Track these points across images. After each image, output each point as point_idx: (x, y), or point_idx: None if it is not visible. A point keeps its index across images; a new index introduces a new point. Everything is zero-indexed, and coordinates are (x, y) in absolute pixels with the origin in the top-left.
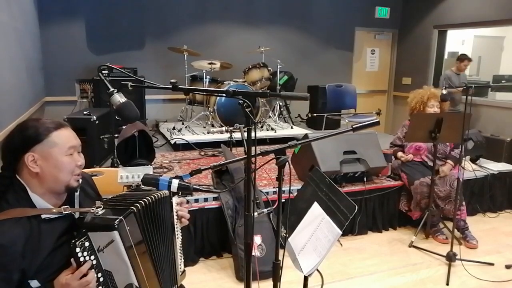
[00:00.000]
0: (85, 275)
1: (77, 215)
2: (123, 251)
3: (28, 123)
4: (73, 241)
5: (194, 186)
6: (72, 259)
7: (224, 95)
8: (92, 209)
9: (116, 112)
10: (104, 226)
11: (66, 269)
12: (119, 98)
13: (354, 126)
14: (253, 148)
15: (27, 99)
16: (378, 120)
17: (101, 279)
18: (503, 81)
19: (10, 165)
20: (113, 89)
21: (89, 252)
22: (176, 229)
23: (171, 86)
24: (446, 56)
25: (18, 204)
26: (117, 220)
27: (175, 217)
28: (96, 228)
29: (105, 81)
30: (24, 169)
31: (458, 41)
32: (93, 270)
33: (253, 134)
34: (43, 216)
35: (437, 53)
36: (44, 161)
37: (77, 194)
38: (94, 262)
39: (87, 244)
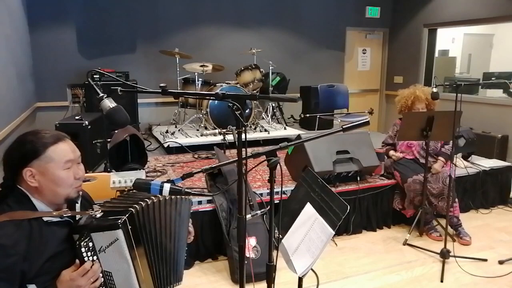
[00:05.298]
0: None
1: (77, 217)
2: (125, 249)
3: (27, 137)
4: (77, 241)
5: (186, 190)
6: (77, 260)
7: (213, 98)
8: (91, 212)
9: (106, 118)
10: (108, 226)
11: (69, 267)
12: (109, 103)
13: (344, 127)
14: (244, 150)
15: (18, 105)
16: (368, 120)
17: (101, 280)
18: (493, 78)
19: (10, 178)
20: (102, 94)
21: (92, 252)
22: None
23: (160, 91)
24: (436, 54)
25: (19, 207)
26: (121, 220)
27: (191, 226)
28: (99, 229)
29: (94, 86)
30: (23, 182)
31: (448, 39)
32: (97, 263)
33: (244, 136)
34: (45, 219)
35: (428, 52)
36: (42, 176)
37: (78, 205)
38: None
39: (90, 244)
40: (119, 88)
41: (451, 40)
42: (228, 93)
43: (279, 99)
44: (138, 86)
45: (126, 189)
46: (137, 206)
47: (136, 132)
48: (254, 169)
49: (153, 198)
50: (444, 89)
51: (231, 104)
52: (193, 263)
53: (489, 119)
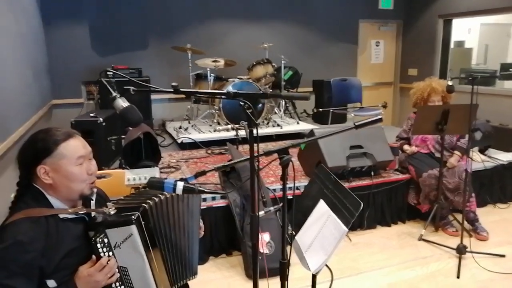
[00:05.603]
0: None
1: (93, 214)
2: (140, 244)
3: (38, 135)
4: (93, 238)
5: (199, 188)
6: (93, 256)
7: (225, 97)
8: (105, 210)
9: (120, 117)
10: (122, 222)
11: (86, 263)
12: (122, 103)
13: (357, 124)
14: (257, 148)
15: (34, 103)
16: (380, 117)
17: (118, 275)
18: (511, 69)
19: (25, 176)
20: (115, 94)
21: (108, 248)
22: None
23: (172, 90)
24: (452, 46)
25: (36, 204)
26: (135, 215)
27: (201, 221)
28: (113, 225)
29: (108, 86)
30: (38, 180)
31: (464, 29)
32: (114, 258)
33: (256, 133)
34: (61, 216)
35: (443, 43)
36: (55, 173)
37: (93, 202)
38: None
39: (106, 240)
40: (131, 88)
41: (467, 31)
42: (239, 91)
43: (290, 97)
44: (150, 85)
45: (140, 186)
46: (150, 202)
47: (150, 129)
48: (267, 163)
49: (166, 194)
50: (460, 81)
51: (243, 103)
52: (207, 258)
53: (507, 111)
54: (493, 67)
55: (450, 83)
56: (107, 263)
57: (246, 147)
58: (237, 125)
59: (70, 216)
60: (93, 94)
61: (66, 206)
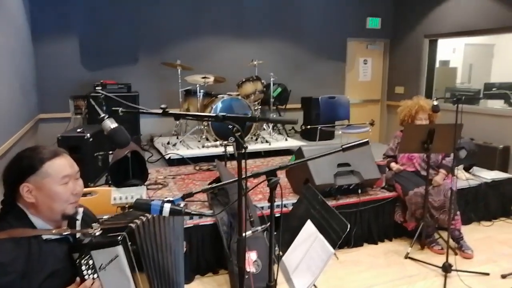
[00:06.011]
0: None
1: (77, 235)
2: (126, 266)
3: (25, 153)
4: (77, 260)
5: (186, 210)
6: (77, 278)
7: (214, 120)
8: (90, 231)
9: (107, 138)
10: (107, 243)
11: (70, 285)
12: (110, 124)
13: (344, 146)
14: (245, 168)
15: (21, 117)
16: (367, 140)
17: None
18: (494, 89)
19: (9, 194)
20: (103, 114)
21: (92, 270)
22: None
23: (161, 112)
24: (437, 65)
25: (18, 224)
26: (121, 236)
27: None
28: (99, 246)
29: (96, 107)
30: (21, 199)
31: (449, 49)
32: (98, 280)
33: (244, 156)
34: (44, 237)
35: (429, 62)
36: (38, 191)
37: (78, 222)
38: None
39: (90, 262)
40: (120, 109)
41: (452, 50)
42: (228, 115)
43: (279, 122)
44: (139, 107)
45: (127, 205)
46: (137, 221)
47: (138, 148)
48: (254, 183)
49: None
50: (445, 100)
51: (231, 126)
52: (193, 277)
53: (490, 130)
54: (477, 86)
55: (435, 103)
56: (91, 285)
57: (235, 163)
58: (225, 142)
59: (53, 237)
60: (81, 109)
61: (50, 226)
